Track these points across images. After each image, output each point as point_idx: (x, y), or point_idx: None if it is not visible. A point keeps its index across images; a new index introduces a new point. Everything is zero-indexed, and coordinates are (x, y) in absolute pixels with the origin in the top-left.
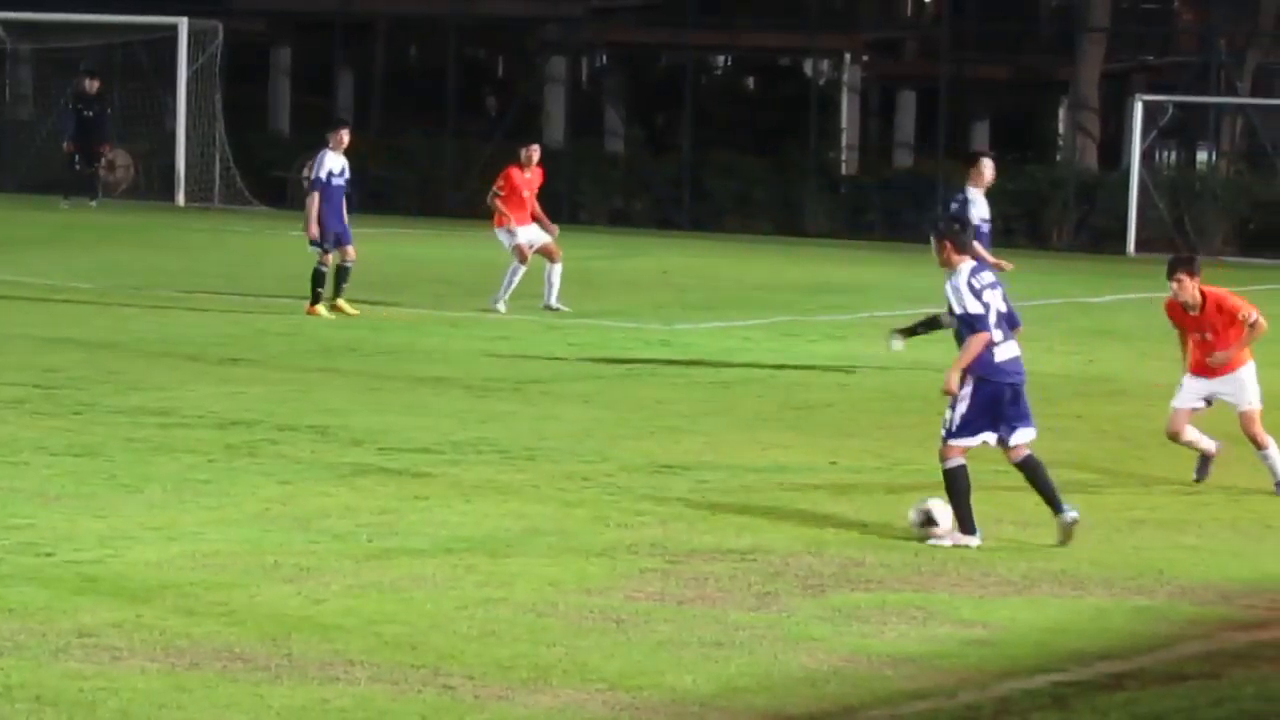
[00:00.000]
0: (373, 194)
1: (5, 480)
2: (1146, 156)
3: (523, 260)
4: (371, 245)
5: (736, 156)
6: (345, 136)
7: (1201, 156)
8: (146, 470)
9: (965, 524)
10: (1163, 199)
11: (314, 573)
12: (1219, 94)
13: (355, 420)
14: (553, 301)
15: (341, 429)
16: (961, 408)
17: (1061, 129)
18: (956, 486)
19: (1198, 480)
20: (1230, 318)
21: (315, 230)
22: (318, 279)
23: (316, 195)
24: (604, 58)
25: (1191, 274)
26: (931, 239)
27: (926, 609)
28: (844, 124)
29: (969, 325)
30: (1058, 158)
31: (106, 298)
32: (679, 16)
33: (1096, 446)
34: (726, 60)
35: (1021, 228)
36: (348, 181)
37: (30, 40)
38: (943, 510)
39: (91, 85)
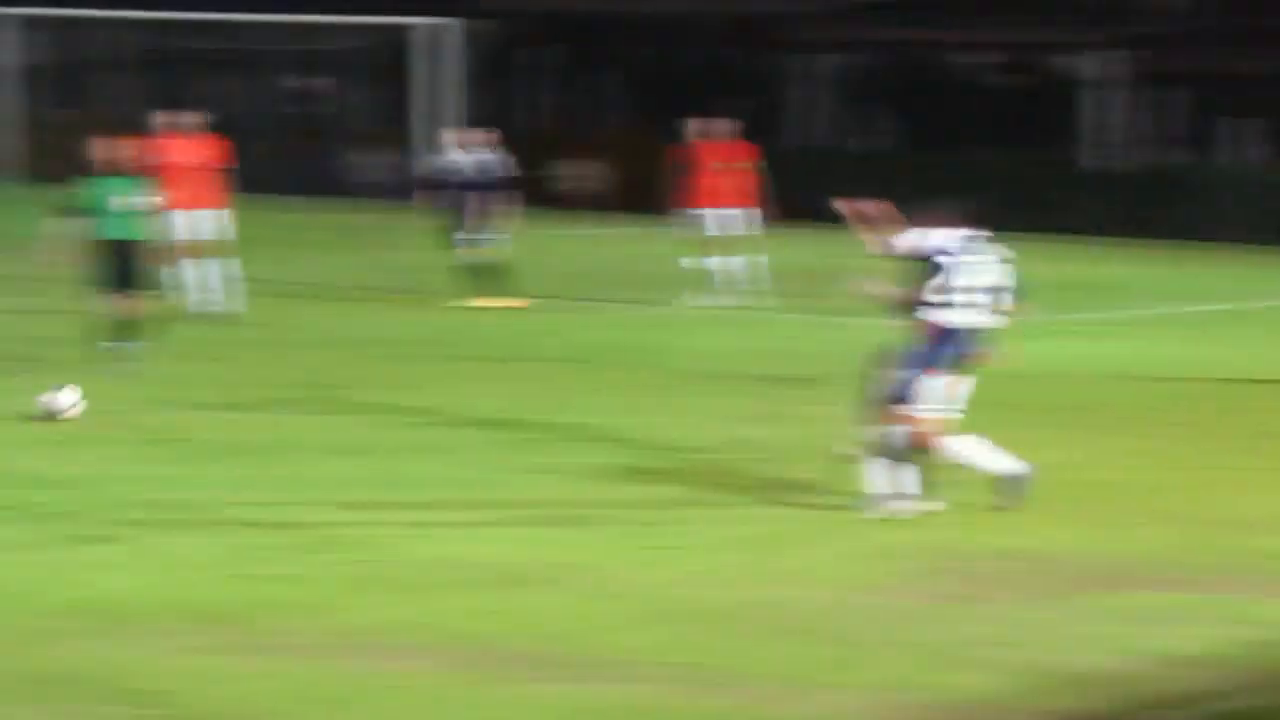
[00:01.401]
0: (620, 194)
1: (291, 474)
2: None
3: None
4: (626, 246)
5: (994, 152)
6: (481, 136)
7: None
8: (416, 471)
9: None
10: None
11: (591, 570)
12: None
13: (620, 420)
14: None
15: (608, 428)
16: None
17: None
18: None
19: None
20: None
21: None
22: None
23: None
24: (863, 55)
25: None
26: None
27: (1225, 611)
28: (1109, 120)
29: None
30: None
31: (372, 296)
32: (939, 14)
33: None
34: (988, 56)
35: None
36: (490, 176)
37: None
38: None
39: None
